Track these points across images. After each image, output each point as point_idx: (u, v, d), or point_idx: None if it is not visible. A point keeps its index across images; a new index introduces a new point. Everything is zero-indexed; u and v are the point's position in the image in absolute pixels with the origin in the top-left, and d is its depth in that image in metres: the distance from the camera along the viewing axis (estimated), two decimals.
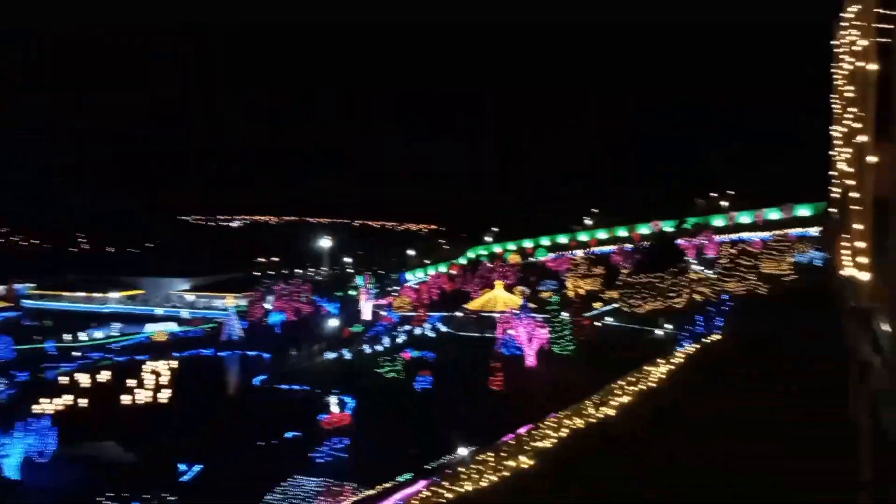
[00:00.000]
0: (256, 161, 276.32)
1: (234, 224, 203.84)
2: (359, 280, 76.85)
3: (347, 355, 57.08)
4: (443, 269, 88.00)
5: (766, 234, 67.54)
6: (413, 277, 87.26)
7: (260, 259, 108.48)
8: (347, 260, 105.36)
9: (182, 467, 32.74)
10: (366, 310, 70.87)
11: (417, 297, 74.55)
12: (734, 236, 71.21)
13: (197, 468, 32.66)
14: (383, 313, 70.37)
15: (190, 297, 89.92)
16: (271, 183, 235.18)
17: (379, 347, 57.55)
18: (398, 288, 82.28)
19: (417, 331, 63.12)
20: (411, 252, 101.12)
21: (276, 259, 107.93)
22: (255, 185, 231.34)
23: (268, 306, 74.26)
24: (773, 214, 75.69)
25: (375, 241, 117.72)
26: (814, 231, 65.78)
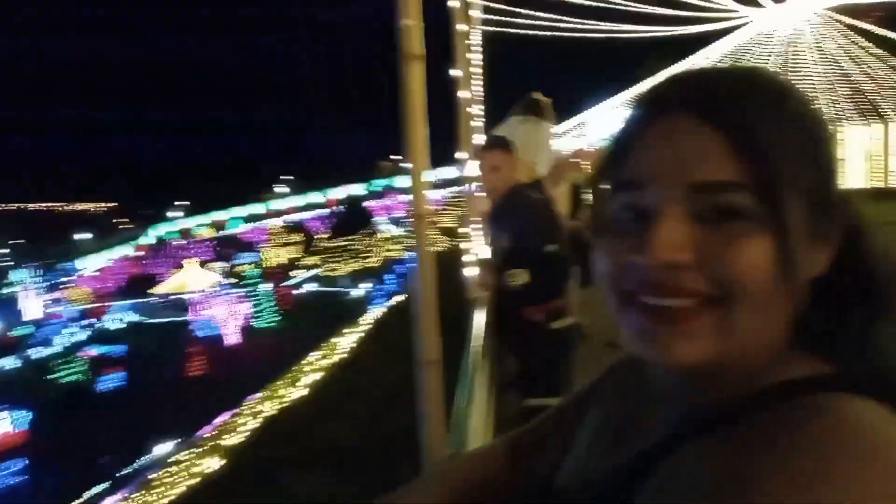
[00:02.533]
0: None
1: None
2: (20, 274, 66.25)
3: (13, 363, 49.28)
4: (125, 251, 79.95)
5: (445, 192, 73.65)
6: (90, 264, 77.85)
7: None
8: (3, 251, 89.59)
9: None
10: (32, 308, 61.58)
11: (97, 285, 67.00)
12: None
13: None
14: (56, 309, 61.95)
15: None
16: None
17: (54, 349, 50.71)
18: (73, 278, 72.83)
19: (100, 324, 56.94)
20: (85, 235, 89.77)
21: None
22: None
23: None
24: (449, 173, 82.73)
25: (38, 226, 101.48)
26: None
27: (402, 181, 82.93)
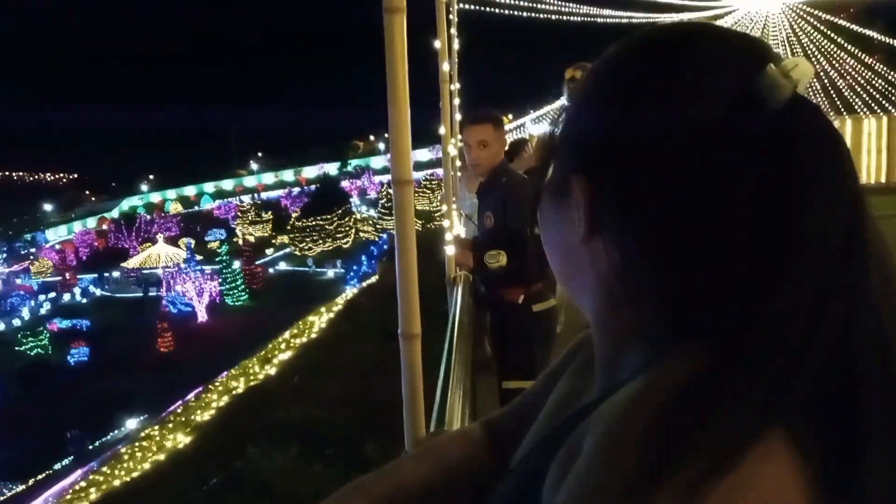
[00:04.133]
0: None
1: None
2: None
3: None
4: (91, 224, 78.36)
5: (419, 174, 73.22)
6: (55, 236, 76.17)
7: None
8: None
9: None
10: None
11: (62, 258, 65.59)
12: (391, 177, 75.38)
13: None
14: (18, 281, 60.61)
15: None
16: None
17: (17, 322, 49.73)
18: (35, 250, 71.21)
19: (66, 297, 55.90)
20: (49, 206, 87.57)
21: None
22: None
23: None
24: (423, 155, 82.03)
25: None
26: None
27: (378, 161, 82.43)
